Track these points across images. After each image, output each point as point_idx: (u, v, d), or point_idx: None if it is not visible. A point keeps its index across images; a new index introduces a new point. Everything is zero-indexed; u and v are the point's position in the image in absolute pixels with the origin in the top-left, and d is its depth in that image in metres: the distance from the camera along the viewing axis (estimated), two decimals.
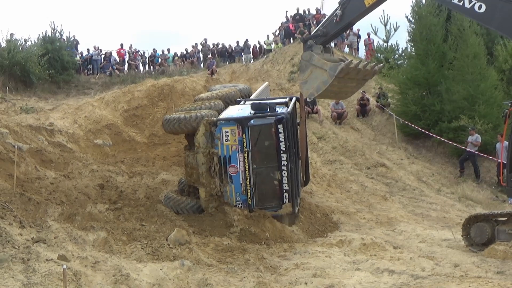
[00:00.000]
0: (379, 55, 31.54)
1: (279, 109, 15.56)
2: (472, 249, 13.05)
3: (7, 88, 27.92)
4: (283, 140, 14.43)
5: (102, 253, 11.52)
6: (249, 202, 14.56)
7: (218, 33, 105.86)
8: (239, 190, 14.61)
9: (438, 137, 23.49)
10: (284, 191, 14.51)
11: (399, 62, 30.73)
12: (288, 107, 16.21)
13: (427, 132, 23.96)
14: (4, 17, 76.66)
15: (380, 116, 27.45)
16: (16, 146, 17.30)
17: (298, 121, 17.79)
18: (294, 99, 17.65)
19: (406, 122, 24.85)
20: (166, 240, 12.67)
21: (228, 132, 14.61)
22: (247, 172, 14.52)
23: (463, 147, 22.23)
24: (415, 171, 22.58)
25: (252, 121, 14.62)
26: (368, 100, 28.07)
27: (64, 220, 13.44)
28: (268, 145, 14.73)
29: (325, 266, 11.65)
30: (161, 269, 10.71)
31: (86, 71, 37.91)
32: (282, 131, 14.43)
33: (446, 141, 22.99)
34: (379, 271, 10.88)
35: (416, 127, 24.25)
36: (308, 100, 15.25)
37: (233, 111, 16.39)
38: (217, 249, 12.82)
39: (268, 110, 15.16)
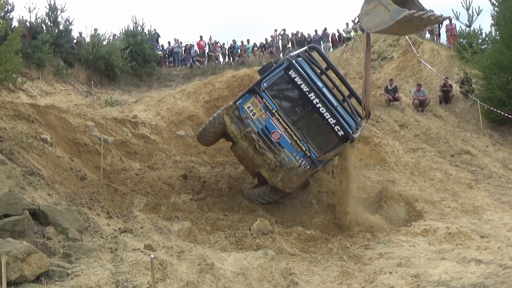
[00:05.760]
0: (461, 40, 30.77)
1: None
2: None
3: (92, 82, 28.65)
4: (301, 82, 14.35)
5: (186, 242, 11.78)
6: (308, 154, 14.38)
7: (296, 22, 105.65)
8: (293, 150, 14.45)
9: None
10: (332, 125, 14.29)
11: (482, 46, 29.86)
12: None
13: None
14: (88, 12, 78.84)
15: (463, 103, 26.79)
16: (102, 139, 17.77)
17: (324, 67, 17.83)
18: (305, 47, 17.72)
19: (491, 108, 24.17)
20: (249, 230, 12.84)
21: (250, 106, 14.60)
22: (289, 129, 14.41)
23: None
24: (501, 158, 21.98)
25: (264, 83, 14.60)
26: (451, 86, 27.42)
27: (149, 211, 13.79)
28: (291, 94, 14.75)
29: (410, 255, 11.54)
30: (245, 259, 10.85)
31: (167, 63, 38.54)
32: (296, 75, 14.38)
33: None
34: (465, 261, 10.70)
35: (502, 113, 23.55)
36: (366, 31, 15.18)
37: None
38: (300, 239, 12.88)
39: (273, 65, 15.11)
